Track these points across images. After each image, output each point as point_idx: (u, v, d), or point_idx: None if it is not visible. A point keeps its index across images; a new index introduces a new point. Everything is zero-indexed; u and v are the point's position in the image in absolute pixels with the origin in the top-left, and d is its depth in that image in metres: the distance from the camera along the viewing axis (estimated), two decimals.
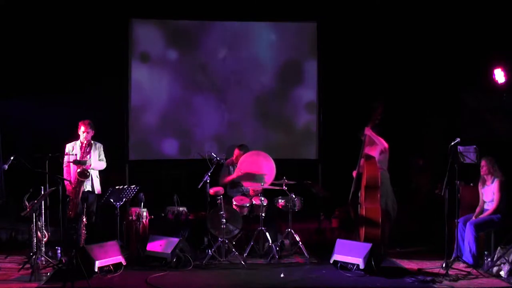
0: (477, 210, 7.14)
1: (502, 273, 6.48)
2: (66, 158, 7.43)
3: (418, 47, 9.32)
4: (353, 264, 6.66)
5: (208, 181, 7.44)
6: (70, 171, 7.43)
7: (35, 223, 6.70)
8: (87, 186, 7.44)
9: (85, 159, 7.40)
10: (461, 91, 9.20)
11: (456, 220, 6.94)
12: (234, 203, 7.54)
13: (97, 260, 6.46)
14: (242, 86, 9.93)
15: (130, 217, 7.44)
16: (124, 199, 7.35)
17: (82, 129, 7.46)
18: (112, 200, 7.25)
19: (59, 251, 7.15)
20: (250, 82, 9.93)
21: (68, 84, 9.20)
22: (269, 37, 9.95)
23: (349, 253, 6.75)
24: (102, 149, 7.64)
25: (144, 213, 7.49)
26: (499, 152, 7.29)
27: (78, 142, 7.51)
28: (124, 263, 6.72)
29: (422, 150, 9.44)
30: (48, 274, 6.53)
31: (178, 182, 9.61)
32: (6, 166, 6.97)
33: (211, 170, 7.52)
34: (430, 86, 9.33)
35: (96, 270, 6.41)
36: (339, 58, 9.73)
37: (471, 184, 7.62)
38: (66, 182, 7.31)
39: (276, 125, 9.98)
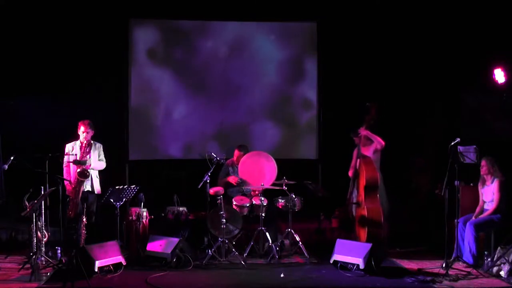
0: (477, 210, 7.14)
1: (502, 273, 6.49)
2: (66, 158, 7.43)
3: (418, 47, 9.32)
4: (353, 264, 6.67)
5: (208, 181, 7.44)
6: (70, 171, 7.43)
7: (35, 223, 6.71)
8: (87, 186, 7.44)
9: (85, 159, 7.40)
10: (461, 91, 9.20)
11: (456, 220, 6.94)
12: (234, 203, 7.54)
13: (97, 260, 6.46)
14: (242, 86, 9.92)
15: (130, 217, 7.43)
16: (124, 199, 7.35)
17: (82, 129, 7.46)
18: (112, 200, 7.25)
19: (59, 251, 7.15)
20: (250, 82, 9.92)
21: (68, 84, 9.20)
22: (269, 37, 9.95)
23: (349, 253, 6.75)
24: (102, 149, 7.64)
25: (144, 213, 7.48)
26: (499, 152, 7.29)
27: (78, 142, 7.51)
28: (124, 263, 6.72)
29: (422, 150, 9.44)
30: (48, 274, 6.53)
31: (178, 182, 9.59)
32: (6, 166, 6.97)
33: (211, 170, 7.52)
34: (430, 86, 9.33)
35: (96, 270, 6.41)
36: (339, 58, 9.73)
37: (471, 184, 7.62)
38: (66, 182, 7.31)
39: (276, 125, 9.98)
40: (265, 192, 7.70)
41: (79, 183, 7.28)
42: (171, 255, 6.86)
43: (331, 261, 6.86)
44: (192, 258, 6.93)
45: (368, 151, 7.62)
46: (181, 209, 7.75)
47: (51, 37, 9.12)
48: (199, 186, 7.44)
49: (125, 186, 7.34)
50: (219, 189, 7.44)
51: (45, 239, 6.93)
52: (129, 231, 7.48)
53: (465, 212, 7.23)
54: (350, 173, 7.71)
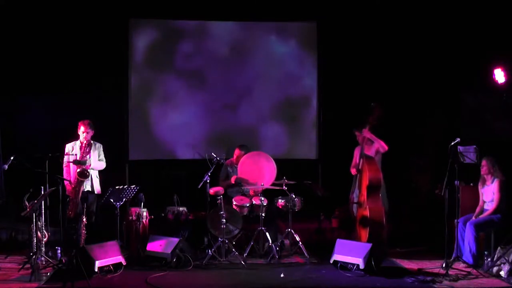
0: (477, 210, 7.14)
1: (502, 273, 6.48)
2: (66, 158, 7.43)
3: (418, 47, 9.32)
4: (353, 264, 6.66)
5: (208, 181, 7.45)
6: (70, 171, 7.43)
7: (35, 223, 6.71)
8: (87, 186, 7.44)
9: (85, 159, 7.40)
10: (461, 91, 9.20)
11: (456, 220, 6.94)
12: (234, 203, 7.53)
13: (97, 260, 6.46)
14: (241, 86, 9.93)
15: (130, 217, 7.43)
16: (124, 199, 7.34)
17: (82, 129, 7.46)
18: (112, 200, 7.24)
19: (59, 251, 7.14)
20: (249, 82, 9.93)
21: (68, 84, 9.20)
22: (269, 37, 9.95)
23: (349, 253, 6.75)
24: (101, 149, 7.64)
25: (144, 213, 7.48)
26: (499, 152, 7.28)
27: (78, 142, 7.51)
28: (124, 263, 6.72)
29: (422, 150, 9.44)
30: (48, 274, 6.53)
31: (178, 182, 9.60)
32: (6, 166, 6.97)
33: (211, 170, 7.53)
34: (430, 86, 9.33)
35: (96, 270, 6.41)
36: (339, 58, 9.73)
37: (471, 184, 7.62)
38: (66, 182, 7.31)
39: (276, 124, 9.98)
40: (265, 192, 7.70)
41: (79, 183, 7.28)
42: (171, 255, 6.86)
43: (331, 261, 6.86)
44: (192, 258, 6.93)
45: (370, 151, 7.62)
46: (181, 209, 7.75)
47: (51, 37, 9.13)
48: (199, 186, 7.44)
49: (125, 186, 7.34)
50: (219, 189, 7.44)
51: (45, 239, 6.93)
52: (129, 231, 7.47)
53: (465, 212, 7.22)
54: (353, 172, 7.70)
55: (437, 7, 9.07)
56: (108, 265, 6.58)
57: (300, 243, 7.34)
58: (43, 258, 6.78)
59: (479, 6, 8.62)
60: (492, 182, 7.03)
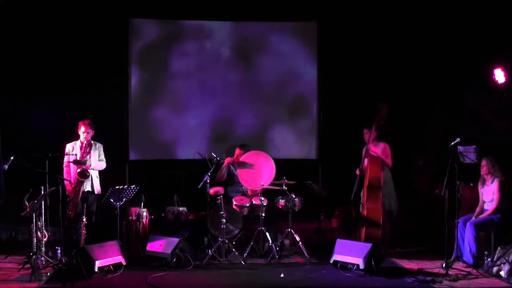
0: (477, 210, 7.14)
1: (502, 273, 6.48)
2: (66, 158, 7.43)
3: (418, 47, 9.32)
4: (353, 264, 6.66)
5: (208, 181, 7.45)
6: (70, 171, 7.43)
7: (35, 223, 6.71)
8: (87, 186, 7.44)
9: (85, 159, 7.40)
10: (461, 91, 9.20)
11: (456, 220, 6.94)
12: (234, 203, 7.54)
13: (97, 260, 6.46)
14: (242, 86, 9.94)
15: (130, 217, 7.43)
16: (124, 199, 7.35)
17: (82, 129, 7.46)
18: (112, 200, 7.24)
19: (59, 251, 7.15)
20: (250, 82, 9.94)
21: (68, 84, 9.21)
22: (269, 37, 9.95)
23: (349, 253, 6.75)
24: (102, 149, 7.64)
25: (144, 213, 7.48)
26: (499, 152, 7.28)
27: (78, 142, 7.51)
28: (124, 263, 6.72)
29: (422, 150, 9.44)
30: (48, 274, 6.53)
31: (178, 182, 9.60)
32: (6, 166, 6.97)
33: (211, 170, 7.53)
34: (430, 86, 9.33)
35: (96, 270, 6.41)
36: (339, 58, 9.73)
37: (471, 184, 7.62)
38: (66, 182, 7.31)
39: (276, 125, 9.98)
40: (265, 192, 7.70)
41: (79, 183, 7.27)
42: (171, 255, 6.86)
43: (331, 261, 6.85)
44: (192, 258, 6.93)
45: (376, 150, 7.62)
46: (181, 209, 7.75)
47: (51, 37, 9.13)
48: (199, 186, 7.44)
49: (125, 186, 7.34)
50: (219, 189, 7.44)
51: (45, 239, 6.93)
52: (129, 231, 7.47)
53: (465, 212, 7.23)
54: (357, 172, 7.70)
55: (437, 7, 9.07)
56: (108, 265, 6.58)
57: (300, 243, 7.34)
58: (43, 258, 6.78)
59: (479, 6, 8.62)
60: (492, 182, 7.03)
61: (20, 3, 8.93)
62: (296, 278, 6.46)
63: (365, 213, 7.31)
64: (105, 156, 7.67)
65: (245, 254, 7.21)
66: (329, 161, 9.74)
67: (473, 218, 7.05)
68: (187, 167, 9.58)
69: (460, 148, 6.83)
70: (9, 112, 8.92)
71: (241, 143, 8.29)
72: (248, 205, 7.53)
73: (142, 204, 7.50)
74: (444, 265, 6.68)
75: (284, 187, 7.40)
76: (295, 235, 7.41)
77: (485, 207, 7.11)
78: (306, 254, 7.25)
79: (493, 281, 6.37)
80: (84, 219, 7.17)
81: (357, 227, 7.63)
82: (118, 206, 7.28)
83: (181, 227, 7.60)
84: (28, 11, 9.01)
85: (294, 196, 7.46)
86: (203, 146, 9.57)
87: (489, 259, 6.76)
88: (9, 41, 8.93)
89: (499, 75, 8.19)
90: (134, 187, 7.38)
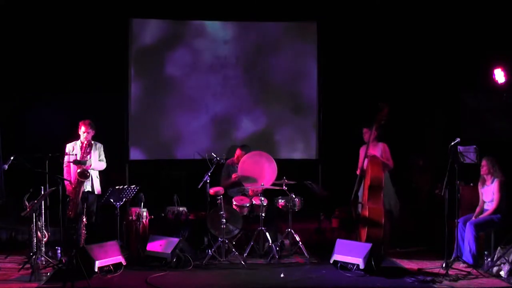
0: (477, 210, 7.14)
1: (502, 273, 6.48)
2: (66, 158, 7.43)
3: (418, 47, 9.32)
4: (353, 264, 6.66)
5: (208, 181, 7.45)
6: (70, 171, 7.43)
7: (35, 223, 6.71)
8: (87, 186, 7.44)
9: (85, 159, 7.40)
10: (461, 91, 9.20)
11: (456, 220, 6.94)
12: (234, 203, 7.53)
13: (97, 260, 6.46)
14: (242, 86, 9.92)
15: (130, 217, 7.43)
16: (124, 199, 7.34)
17: (82, 129, 7.46)
18: (112, 200, 7.24)
19: (59, 251, 7.14)
20: (250, 82, 9.93)
21: (68, 84, 9.21)
22: (269, 37, 9.95)
23: (349, 253, 6.75)
24: (102, 149, 7.63)
25: (144, 213, 7.48)
26: (499, 152, 7.29)
27: (78, 142, 7.51)
28: (124, 263, 6.72)
29: (422, 150, 9.43)
30: (48, 274, 6.53)
31: (178, 182, 9.60)
32: (6, 166, 6.96)
33: (211, 170, 7.53)
34: (430, 86, 9.33)
35: (96, 270, 6.41)
36: (339, 57, 9.73)
37: (471, 184, 7.62)
38: (66, 182, 7.31)
39: (276, 125, 9.98)
40: (265, 192, 7.70)
41: (79, 183, 7.27)
42: (171, 255, 6.86)
43: (331, 261, 6.85)
44: (192, 258, 6.93)
45: (375, 151, 7.63)
46: (181, 209, 7.75)
47: (51, 37, 9.13)
48: (199, 186, 7.44)
49: (125, 186, 7.34)
50: (219, 189, 7.44)
51: (45, 239, 6.93)
52: (129, 231, 7.47)
53: (465, 212, 7.23)
54: (358, 172, 7.70)
55: (437, 7, 9.07)
56: (108, 265, 6.58)
57: (300, 243, 7.34)
58: (43, 258, 6.77)
59: (479, 6, 8.62)
60: (492, 182, 7.03)
61: (20, 3, 8.92)
62: (296, 278, 6.46)
63: (367, 214, 7.31)
64: (105, 156, 7.67)
65: (245, 254, 7.21)
66: (329, 161, 9.74)
67: (473, 218, 7.05)
68: (187, 167, 9.58)
69: (460, 148, 6.83)
70: (9, 112, 8.92)
71: (241, 144, 8.28)
72: (248, 205, 7.53)
73: (142, 204, 7.50)
74: (444, 265, 6.68)
75: (284, 187, 7.40)
76: (295, 235, 7.41)
77: (485, 207, 7.10)
78: (306, 254, 7.25)
79: (493, 281, 6.38)
80: (84, 219, 7.17)
81: (357, 227, 7.62)
82: (118, 206, 7.28)
83: (181, 227, 7.60)
84: (28, 12, 9.00)
85: (294, 196, 7.45)
86: (203, 146, 9.56)
87: (489, 259, 6.76)
88: (9, 41, 8.93)
89: (499, 75, 8.19)
90: (134, 187, 7.38)
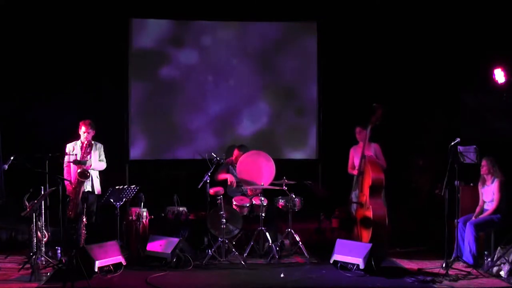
0: (477, 210, 7.14)
1: (502, 273, 6.48)
2: (66, 158, 7.43)
3: (418, 47, 9.32)
4: (353, 264, 6.66)
5: (208, 181, 7.45)
6: (71, 171, 7.43)
7: (35, 223, 6.71)
8: (87, 187, 7.44)
9: (86, 159, 7.40)
10: (461, 91, 9.19)
11: (456, 220, 6.94)
12: (234, 203, 7.54)
13: (97, 260, 6.46)
14: (242, 86, 9.93)
15: (130, 217, 7.43)
16: (124, 199, 7.35)
17: (82, 129, 7.46)
18: (112, 200, 7.25)
19: (59, 251, 7.14)
20: (250, 82, 9.94)
21: (68, 84, 9.20)
22: (268, 37, 9.95)
23: (349, 253, 6.75)
24: (102, 149, 7.64)
25: (144, 213, 7.48)
26: (499, 152, 7.28)
27: (78, 142, 7.51)
28: (124, 263, 6.72)
29: (422, 150, 9.43)
30: (48, 274, 6.53)
31: (178, 182, 9.60)
32: (6, 166, 6.97)
33: (211, 170, 7.53)
34: (430, 86, 9.33)
35: (96, 270, 6.41)
36: (339, 57, 9.73)
37: (471, 184, 7.62)
38: (66, 182, 7.31)
39: (276, 125, 9.98)
40: (265, 192, 7.70)
41: (80, 183, 7.27)
42: (171, 255, 6.86)
43: (331, 261, 6.86)
44: (192, 258, 6.93)
45: (370, 151, 7.63)
46: (181, 209, 7.75)
47: (51, 37, 9.13)
48: (199, 186, 7.44)
49: (125, 186, 7.34)
50: (219, 189, 7.44)
51: (45, 239, 6.93)
52: (129, 231, 7.47)
53: (465, 212, 7.22)
54: (355, 172, 7.69)
55: (437, 7, 9.07)
56: (108, 265, 6.58)
57: (300, 243, 7.34)
58: (43, 258, 6.77)
59: (479, 6, 8.61)
60: (492, 182, 7.03)
61: (20, 4, 8.92)
62: (296, 278, 6.46)
63: (371, 214, 7.30)
64: (105, 156, 7.67)
65: (245, 254, 7.21)
66: (329, 161, 9.74)
67: (473, 218, 7.05)
68: (187, 167, 9.58)
69: (460, 148, 6.83)
70: (9, 112, 8.91)
71: (239, 144, 8.29)
72: (248, 205, 7.53)
73: (142, 204, 7.50)
74: (444, 265, 6.68)
75: (284, 187, 7.40)
76: (295, 235, 7.41)
77: (485, 207, 7.11)
78: (306, 254, 7.25)
79: (493, 281, 6.38)
80: (84, 219, 7.17)
81: (353, 227, 7.62)
82: (118, 206, 7.28)
83: (181, 227, 7.60)
84: (28, 12, 9.00)
85: (294, 196, 7.46)
86: (203, 146, 9.56)
87: (489, 259, 6.76)
88: (9, 41, 8.93)
89: (499, 75, 8.18)
90: (134, 187, 7.38)
